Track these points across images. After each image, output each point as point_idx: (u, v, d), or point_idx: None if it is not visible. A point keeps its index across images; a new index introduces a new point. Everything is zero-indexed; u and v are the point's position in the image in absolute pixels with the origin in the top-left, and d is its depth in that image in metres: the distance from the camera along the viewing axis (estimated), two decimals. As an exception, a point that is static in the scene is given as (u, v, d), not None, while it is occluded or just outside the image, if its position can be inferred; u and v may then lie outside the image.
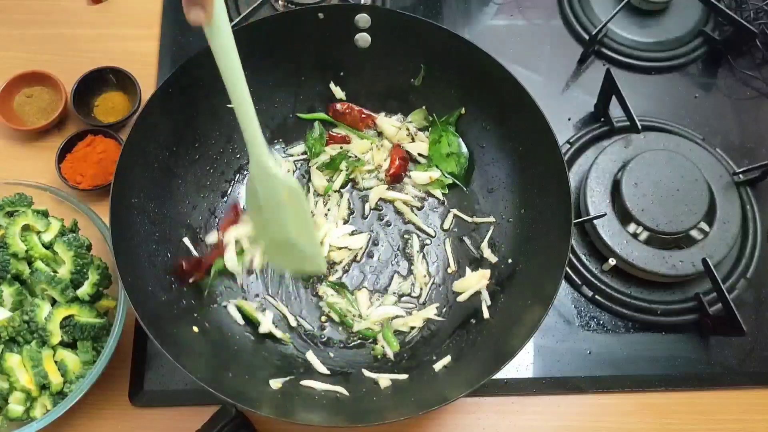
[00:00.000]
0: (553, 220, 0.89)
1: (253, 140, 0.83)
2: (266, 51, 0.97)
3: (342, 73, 1.04)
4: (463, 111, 1.02)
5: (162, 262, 0.91)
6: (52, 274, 0.89)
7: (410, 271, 1.00)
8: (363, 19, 0.96)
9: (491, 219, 1.00)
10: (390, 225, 1.03)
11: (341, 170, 1.04)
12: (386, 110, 1.07)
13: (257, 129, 0.82)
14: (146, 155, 0.91)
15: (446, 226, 1.02)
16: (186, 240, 0.96)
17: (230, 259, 0.96)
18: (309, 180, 1.05)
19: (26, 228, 0.90)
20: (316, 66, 1.02)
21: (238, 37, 0.74)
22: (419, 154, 1.05)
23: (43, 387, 0.85)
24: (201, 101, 0.95)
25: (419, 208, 1.04)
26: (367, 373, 0.91)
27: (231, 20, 1.13)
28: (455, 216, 1.03)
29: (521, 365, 0.97)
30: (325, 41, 0.99)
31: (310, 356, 0.92)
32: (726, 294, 0.94)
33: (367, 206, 1.04)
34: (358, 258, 1.01)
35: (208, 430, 0.86)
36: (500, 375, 0.96)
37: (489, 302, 0.94)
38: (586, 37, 1.18)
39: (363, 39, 0.99)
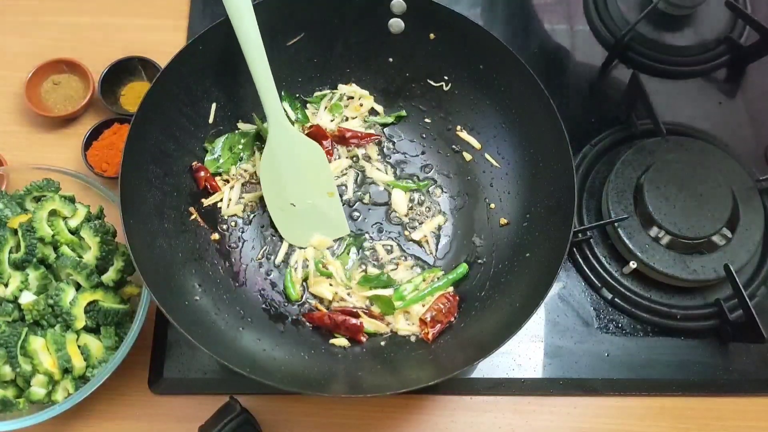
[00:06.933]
0: (549, 233, 0.89)
1: (271, 101, 0.88)
2: (296, 26, 0.99)
3: (368, 58, 1.04)
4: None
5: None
6: (78, 259, 0.90)
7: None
8: (398, 4, 0.96)
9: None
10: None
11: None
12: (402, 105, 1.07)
13: (274, 90, 0.86)
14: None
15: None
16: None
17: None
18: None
19: (53, 213, 0.91)
20: (346, 48, 1.03)
21: (272, 8, 0.76)
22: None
23: (66, 371, 0.86)
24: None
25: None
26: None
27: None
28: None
29: (538, 365, 0.97)
30: (359, 22, 0.99)
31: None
32: (747, 300, 0.94)
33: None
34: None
35: (213, 425, 0.86)
36: (518, 374, 0.97)
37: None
38: (612, 40, 1.18)
39: (396, 25, 0.99)
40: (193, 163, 0.98)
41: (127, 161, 0.84)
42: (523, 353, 0.98)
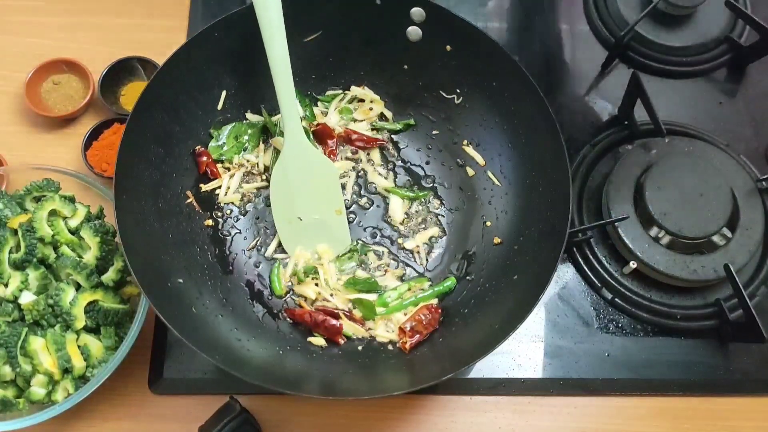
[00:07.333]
0: (539, 259, 0.88)
1: (290, 113, 0.90)
2: (315, 23, 0.99)
3: (383, 63, 1.03)
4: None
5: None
6: (78, 259, 0.90)
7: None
8: (418, 13, 0.96)
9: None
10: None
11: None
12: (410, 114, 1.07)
13: (295, 102, 0.89)
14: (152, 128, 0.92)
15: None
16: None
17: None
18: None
19: (53, 213, 0.91)
20: (362, 51, 1.02)
21: (294, 3, 0.80)
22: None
23: (66, 371, 0.86)
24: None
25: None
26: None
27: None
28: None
29: (538, 365, 0.97)
30: (378, 26, 0.99)
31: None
32: (747, 300, 0.94)
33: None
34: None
35: (213, 425, 0.87)
36: (518, 374, 0.97)
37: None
38: (612, 40, 1.18)
39: (415, 33, 0.98)
40: (197, 147, 0.98)
41: (128, 138, 0.84)
42: (523, 353, 0.98)
